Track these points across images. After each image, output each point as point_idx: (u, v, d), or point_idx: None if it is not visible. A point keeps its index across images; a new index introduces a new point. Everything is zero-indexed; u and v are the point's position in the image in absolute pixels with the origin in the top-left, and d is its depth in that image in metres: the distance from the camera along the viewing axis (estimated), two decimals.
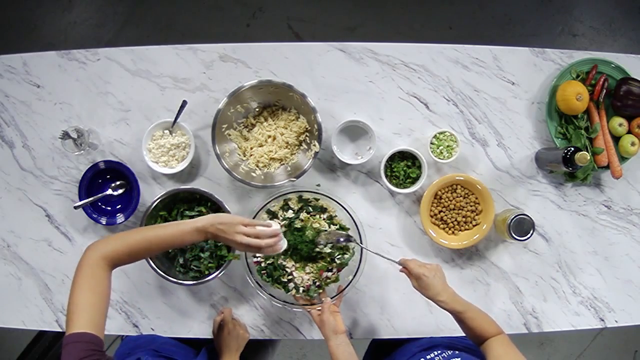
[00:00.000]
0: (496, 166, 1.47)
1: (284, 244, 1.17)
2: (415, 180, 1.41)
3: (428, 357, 1.14)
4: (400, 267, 1.25)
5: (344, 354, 1.24)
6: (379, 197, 1.47)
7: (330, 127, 1.46)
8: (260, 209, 1.36)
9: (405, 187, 1.41)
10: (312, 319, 1.35)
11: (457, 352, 1.12)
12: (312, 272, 1.37)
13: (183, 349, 1.42)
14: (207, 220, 1.09)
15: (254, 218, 1.35)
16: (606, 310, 1.46)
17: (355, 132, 1.45)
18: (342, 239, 1.33)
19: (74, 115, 1.49)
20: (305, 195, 1.40)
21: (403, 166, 1.41)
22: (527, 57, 1.48)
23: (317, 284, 1.36)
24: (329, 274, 1.37)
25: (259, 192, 1.46)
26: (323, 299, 1.34)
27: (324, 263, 1.37)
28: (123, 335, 1.53)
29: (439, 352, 1.14)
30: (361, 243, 1.35)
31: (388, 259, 1.28)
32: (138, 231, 1.08)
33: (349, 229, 1.40)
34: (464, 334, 1.41)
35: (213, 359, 1.38)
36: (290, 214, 1.37)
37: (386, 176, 1.41)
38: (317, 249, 1.35)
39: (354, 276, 1.35)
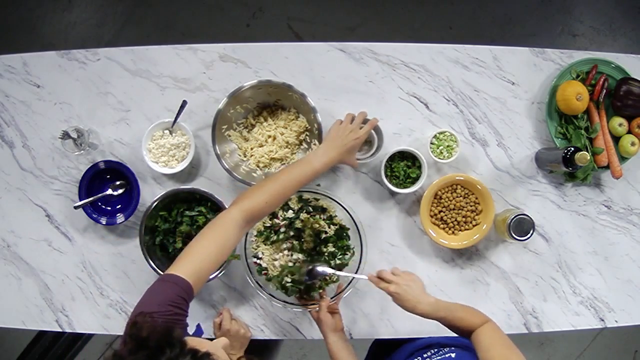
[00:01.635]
0: (496, 166, 1.47)
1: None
2: (415, 180, 1.41)
3: (425, 355, 1.14)
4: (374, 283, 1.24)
5: (341, 351, 1.26)
6: (379, 197, 1.47)
7: (330, 127, 1.46)
8: None
9: (405, 187, 1.41)
10: (312, 318, 1.35)
11: (452, 348, 1.13)
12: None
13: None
14: (335, 152, 1.22)
15: None
16: (606, 310, 1.46)
17: None
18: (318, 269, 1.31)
19: (74, 115, 1.49)
20: (305, 195, 1.40)
21: (403, 166, 1.41)
22: (527, 57, 1.48)
23: (318, 284, 1.36)
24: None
25: None
26: (323, 297, 1.35)
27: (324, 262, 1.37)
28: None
29: (435, 350, 1.15)
30: (361, 243, 1.36)
31: (358, 277, 1.29)
32: (273, 181, 1.13)
33: (348, 228, 1.40)
34: None
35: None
36: (290, 214, 1.37)
37: (386, 176, 1.41)
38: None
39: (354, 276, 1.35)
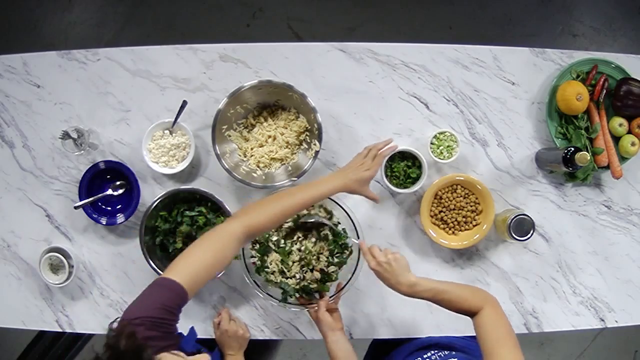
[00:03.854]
0: (496, 166, 1.47)
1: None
2: (415, 180, 1.41)
3: (425, 356, 1.14)
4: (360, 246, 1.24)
5: (340, 350, 1.25)
6: (379, 197, 1.46)
7: (330, 127, 1.46)
8: None
9: (405, 187, 1.41)
10: (311, 317, 1.35)
11: (453, 352, 1.12)
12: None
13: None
14: (341, 181, 1.20)
15: None
16: (606, 310, 1.46)
17: None
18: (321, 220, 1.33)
19: (74, 115, 1.49)
20: None
21: (403, 166, 1.41)
22: (527, 57, 1.48)
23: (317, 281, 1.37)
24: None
25: (259, 192, 1.46)
26: (322, 296, 1.35)
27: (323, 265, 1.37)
28: None
29: (436, 351, 1.14)
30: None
31: (354, 241, 1.31)
32: (276, 200, 1.12)
33: (343, 228, 1.40)
34: (463, 334, 1.42)
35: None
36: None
37: (386, 176, 1.41)
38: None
39: (353, 274, 1.35)
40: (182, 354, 0.83)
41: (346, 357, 1.25)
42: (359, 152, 1.30)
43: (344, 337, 1.28)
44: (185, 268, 0.96)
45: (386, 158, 1.35)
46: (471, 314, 1.09)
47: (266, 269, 1.37)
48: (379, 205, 1.46)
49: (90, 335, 2.09)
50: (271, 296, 1.36)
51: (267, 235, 1.38)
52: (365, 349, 1.62)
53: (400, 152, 1.41)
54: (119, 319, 0.84)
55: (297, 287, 1.36)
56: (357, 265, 1.35)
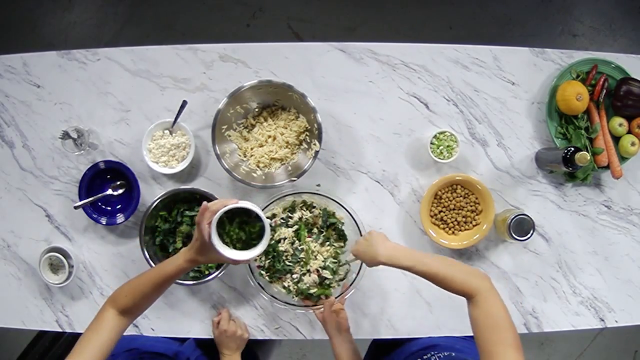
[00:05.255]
0: (496, 166, 1.47)
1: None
2: (260, 234, 1.05)
3: (425, 357, 1.14)
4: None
5: (347, 351, 1.24)
6: (379, 197, 1.47)
7: (330, 127, 1.46)
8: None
9: (252, 247, 1.05)
10: (317, 319, 1.35)
11: (453, 353, 1.12)
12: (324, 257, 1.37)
13: (165, 341, 1.43)
14: (186, 256, 1.04)
15: None
16: (606, 310, 1.46)
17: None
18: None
19: (74, 115, 1.49)
20: (305, 197, 1.40)
21: (236, 226, 1.07)
22: (527, 57, 1.48)
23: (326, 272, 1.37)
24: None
25: (259, 192, 1.46)
26: (327, 297, 1.35)
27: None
28: None
29: (436, 352, 1.14)
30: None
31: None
32: (143, 274, 1.07)
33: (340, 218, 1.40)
34: (463, 334, 1.42)
35: (203, 350, 1.39)
36: (296, 217, 1.38)
37: (224, 243, 1.04)
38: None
39: (357, 274, 1.35)
40: None
41: (352, 358, 1.24)
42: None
43: (350, 339, 1.27)
44: (81, 354, 0.97)
45: (214, 224, 1.01)
46: (463, 295, 1.03)
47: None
48: (379, 205, 1.46)
49: None
50: (275, 298, 1.36)
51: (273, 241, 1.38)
52: (366, 349, 1.62)
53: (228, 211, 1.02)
54: None
55: (296, 286, 1.36)
56: (361, 264, 1.35)
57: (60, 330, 1.48)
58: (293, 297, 1.37)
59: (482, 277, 1.04)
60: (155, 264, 1.38)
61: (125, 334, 1.45)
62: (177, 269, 1.03)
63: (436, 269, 1.04)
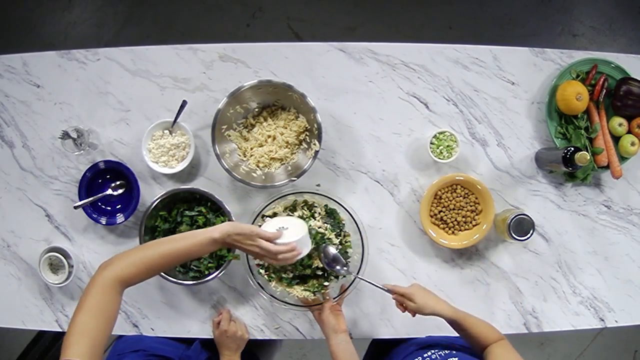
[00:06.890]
0: (496, 166, 1.47)
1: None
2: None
3: (425, 355, 1.14)
4: (391, 295, 1.28)
5: (344, 352, 1.24)
6: (379, 197, 1.47)
7: (330, 127, 1.46)
8: (260, 212, 1.36)
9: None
10: (315, 319, 1.35)
11: (454, 351, 1.12)
12: (309, 288, 1.37)
13: (171, 345, 1.42)
14: (224, 230, 1.06)
15: (253, 221, 1.35)
16: (606, 310, 1.46)
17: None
18: (336, 267, 1.32)
19: (74, 115, 1.49)
20: (307, 196, 1.40)
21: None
22: (527, 57, 1.48)
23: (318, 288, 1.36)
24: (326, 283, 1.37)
25: (259, 192, 1.46)
26: (326, 297, 1.35)
27: (319, 282, 1.37)
28: (116, 336, 1.52)
29: (436, 350, 1.14)
30: (362, 244, 1.35)
31: (379, 287, 1.29)
32: (151, 246, 1.04)
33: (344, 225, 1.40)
34: None
35: (210, 352, 1.38)
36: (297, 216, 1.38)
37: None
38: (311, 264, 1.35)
39: (356, 277, 1.35)
40: None
41: (349, 359, 1.24)
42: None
43: (347, 339, 1.27)
44: (81, 342, 0.89)
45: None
46: (487, 344, 1.15)
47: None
48: (379, 205, 1.46)
49: None
50: (275, 297, 1.36)
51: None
52: (365, 348, 1.62)
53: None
54: None
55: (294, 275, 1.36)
56: (360, 265, 1.35)
57: (60, 330, 1.48)
58: (289, 294, 1.37)
59: (498, 331, 1.19)
60: None
61: (128, 334, 1.46)
62: (198, 250, 1.04)
63: (477, 322, 1.20)
